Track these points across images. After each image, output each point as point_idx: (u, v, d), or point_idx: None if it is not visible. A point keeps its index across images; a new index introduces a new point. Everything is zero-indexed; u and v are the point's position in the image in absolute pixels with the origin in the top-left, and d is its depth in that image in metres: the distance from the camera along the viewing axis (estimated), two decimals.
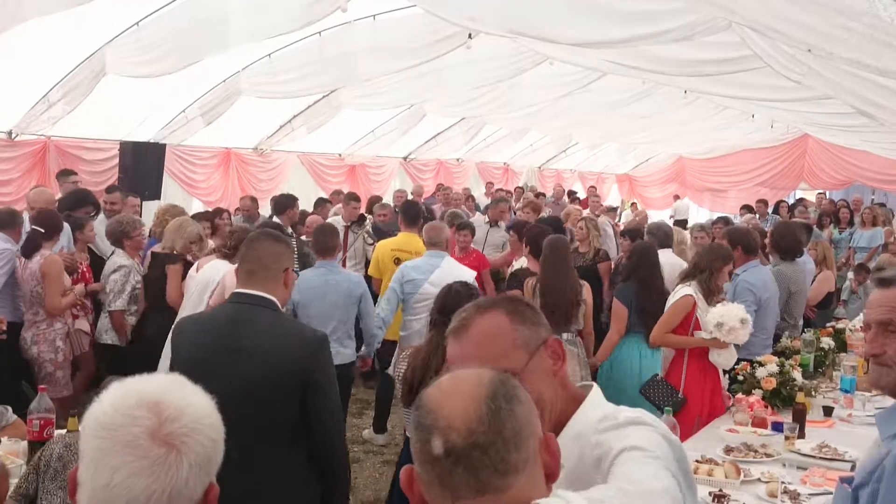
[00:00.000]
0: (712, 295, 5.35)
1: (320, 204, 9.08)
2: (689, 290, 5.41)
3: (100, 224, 7.47)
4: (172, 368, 3.11)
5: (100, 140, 10.41)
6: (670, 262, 7.12)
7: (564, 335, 5.85)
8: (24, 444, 3.73)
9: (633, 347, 6.06)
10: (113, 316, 6.36)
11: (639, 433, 1.64)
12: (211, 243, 6.71)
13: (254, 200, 10.00)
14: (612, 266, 8.10)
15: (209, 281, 5.84)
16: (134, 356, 6.12)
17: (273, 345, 2.98)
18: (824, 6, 3.41)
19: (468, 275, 6.24)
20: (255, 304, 3.04)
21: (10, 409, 4.05)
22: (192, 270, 6.12)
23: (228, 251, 6.00)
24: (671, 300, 5.55)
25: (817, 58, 4.81)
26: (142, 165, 10.37)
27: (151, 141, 10.84)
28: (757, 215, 14.25)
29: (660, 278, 6.20)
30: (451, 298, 4.25)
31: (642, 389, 5.34)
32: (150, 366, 5.49)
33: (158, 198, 10.43)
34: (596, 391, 1.81)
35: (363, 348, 6.30)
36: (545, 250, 6.03)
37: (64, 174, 8.86)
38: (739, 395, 4.92)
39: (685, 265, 7.14)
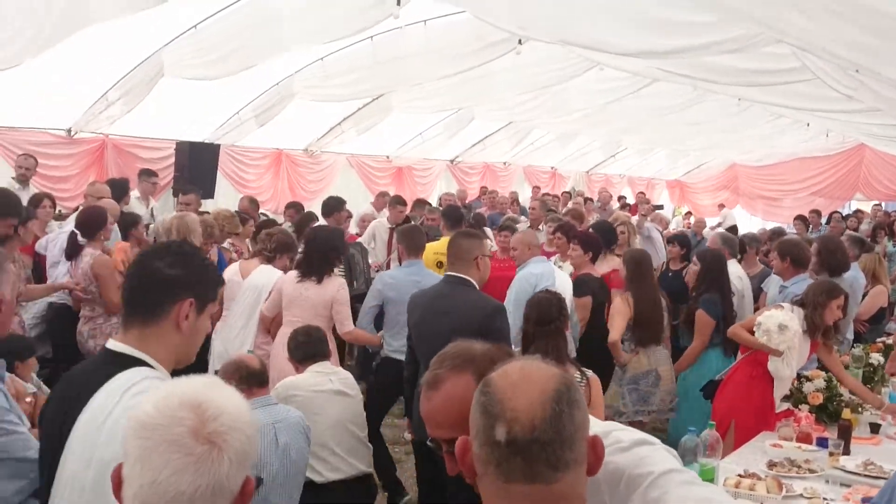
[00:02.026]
0: (817, 330, 5.12)
1: (336, 209, 8.77)
2: (788, 306, 5.27)
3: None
4: (409, 325, 4.62)
5: (156, 139, 10.68)
6: (737, 273, 7.05)
7: (655, 347, 5.91)
8: None
9: (719, 359, 6.00)
10: None
11: (655, 454, 1.77)
12: (248, 245, 6.74)
13: (252, 201, 9.91)
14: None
15: (262, 287, 5.86)
16: None
17: (463, 310, 4.25)
18: (873, 28, 3.37)
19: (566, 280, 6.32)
20: (455, 283, 4.45)
21: None
22: (234, 275, 6.06)
23: (270, 254, 6.07)
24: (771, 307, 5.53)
25: (866, 75, 4.73)
26: (196, 165, 10.59)
27: (206, 141, 11.08)
28: (810, 226, 13.98)
29: (729, 286, 6.20)
30: (544, 308, 4.21)
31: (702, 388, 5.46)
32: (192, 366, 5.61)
33: (212, 196, 10.63)
34: None
35: None
36: (629, 265, 6.03)
37: (145, 174, 9.17)
38: (789, 408, 4.88)
39: (739, 274, 7.11)
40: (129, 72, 8.85)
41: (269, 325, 5.87)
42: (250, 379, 4.03)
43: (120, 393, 2.00)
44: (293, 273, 5.74)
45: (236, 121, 10.99)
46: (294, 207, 9.77)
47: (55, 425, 2.08)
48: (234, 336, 5.91)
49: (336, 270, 5.84)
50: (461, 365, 1.86)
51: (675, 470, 1.73)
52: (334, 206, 8.80)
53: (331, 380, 4.75)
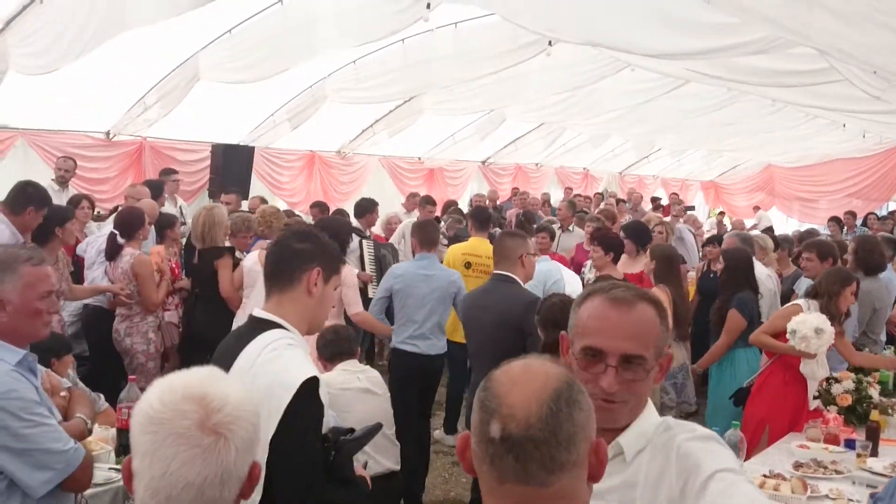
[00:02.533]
0: (834, 318, 5.14)
1: (368, 210, 8.91)
2: (802, 302, 5.33)
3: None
4: (461, 321, 5.04)
5: (192, 142, 10.88)
6: (765, 272, 7.04)
7: (680, 343, 6.01)
8: (114, 431, 3.96)
9: (752, 358, 5.98)
10: None
11: (726, 452, 1.82)
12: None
13: (263, 201, 10.01)
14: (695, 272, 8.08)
15: None
16: (189, 349, 6.37)
17: (502, 304, 4.56)
18: (890, 29, 3.36)
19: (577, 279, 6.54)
20: (500, 280, 4.75)
21: (102, 396, 4.30)
22: (255, 264, 6.15)
23: None
24: (784, 307, 5.54)
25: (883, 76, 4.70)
26: (231, 166, 10.74)
27: (241, 143, 11.25)
28: (845, 227, 13.80)
29: (755, 283, 6.20)
30: (557, 312, 4.08)
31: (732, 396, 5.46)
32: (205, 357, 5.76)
33: (247, 198, 10.80)
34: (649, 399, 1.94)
35: None
36: (660, 260, 6.10)
37: (166, 173, 9.31)
38: (818, 408, 4.87)
39: (768, 272, 7.09)
40: (166, 76, 9.03)
41: None
42: None
43: (260, 349, 2.46)
44: None
45: (270, 123, 11.16)
46: (318, 206, 9.88)
47: None
48: None
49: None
50: (647, 297, 1.92)
51: (740, 472, 1.77)
52: (367, 207, 8.90)
53: (358, 378, 4.81)
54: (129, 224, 6.19)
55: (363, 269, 8.07)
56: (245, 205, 8.85)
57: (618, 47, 6.61)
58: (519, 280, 4.78)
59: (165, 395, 1.51)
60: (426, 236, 6.16)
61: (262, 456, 1.55)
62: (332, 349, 4.88)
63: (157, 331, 6.29)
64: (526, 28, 7.11)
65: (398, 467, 4.97)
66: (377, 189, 12.78)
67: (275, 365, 2.44)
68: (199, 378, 1.55)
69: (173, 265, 6.76)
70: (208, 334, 6.22)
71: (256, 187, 11.64)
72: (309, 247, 2.62)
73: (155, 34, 7.70)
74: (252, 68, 8.79)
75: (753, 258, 7.01)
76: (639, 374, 1.80)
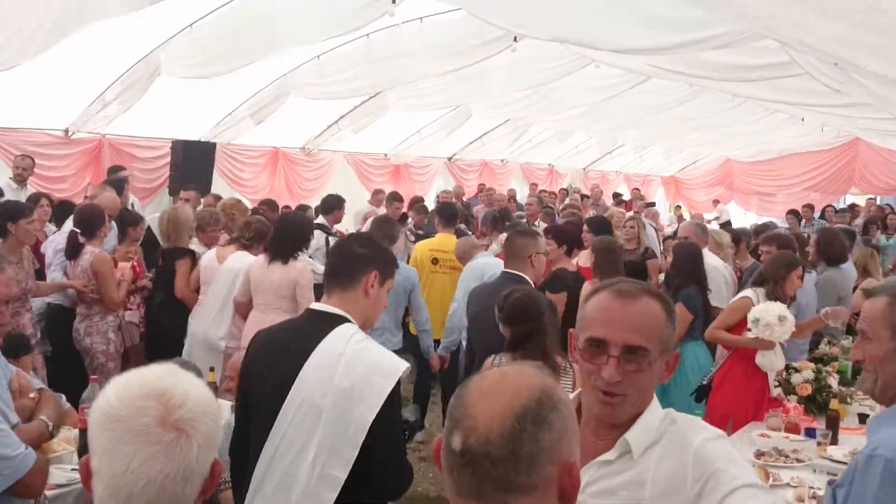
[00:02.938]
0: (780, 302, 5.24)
1: (336, 206, 8.92)
2: (751, 293, 5.41)
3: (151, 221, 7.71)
4: (468, 318, 4.98)
5: (152, 138, 10.72)
6: (714, 263, 7.11)
7: None
8: (76, 432, 3.89)
9: (700, 352, 6.03)
10: None
11: (743, 461, 1.82)
12: (225, 235, 6.85)
13: (218, 198, 9.90)
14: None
15: (237, 272, 6.00)
16: (152, 349, 6.32)
17: None
18: (853, 23, 3.43)
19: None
20: (510, 279, 4.70)
21: (63, 396, 4.23)
22: (211, 261, 6.23)
23: (247, 242, 6.21)
24: (732, 300, 5.61)
25: (844, 69, 4.80)
26: (192, 163, 10.63)
27: (202, 140, 11.12)
28: (803, 220, 14.06)
29: (705, 278, 6.24)
30: (518, 308, 4.10)
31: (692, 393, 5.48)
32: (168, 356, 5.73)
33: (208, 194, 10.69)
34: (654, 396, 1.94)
35: (427, 344, 6.45)
36: (600, 253, 6.04)
37: (113, 170, 9.15)
38: (779, 397, 4.96)
39: (724, 264, 7.18)
40: (126, 72, 8.90)
41: (246, 311, 5.99)
42: None
43: (346, 339, 2.71)
44: (261, 258, 5.89)
45: (232, 119, 11.05)
46: (267, 204, 9.71)
47: (269, 371, 2.76)
48: (210, 320, 6.08)
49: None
50: (654, 293, 1.92)
51: (763, 488, 1.79)
52: (333, 204, 8.86)
53: None
54: (89, 222, 6.09)
55: None
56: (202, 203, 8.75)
57: (584, 43, 6.66)
58: (529, 280, 4.76)
59: (123, 391, 1.48)
60: (384, 234, 6.13)
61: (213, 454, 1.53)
62: None
63: (118, 331, 6.21)
64: (492, 24, 7.13)
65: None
66: (343, 186, 12.69)
67: (368, 355, 2.73)
68: (158, 374, 1.52)
69: (134, 263, 6.68)
70: (173, 334, 6.23)
71: (218, 184, 11.52)
72: (368, 251, 2.90)
73: (114, 29, 7.58)
74: (213, 63, 8.68)
75: (707, 251, 7.13)
76: (641, 365, 1.80)
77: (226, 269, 6.09)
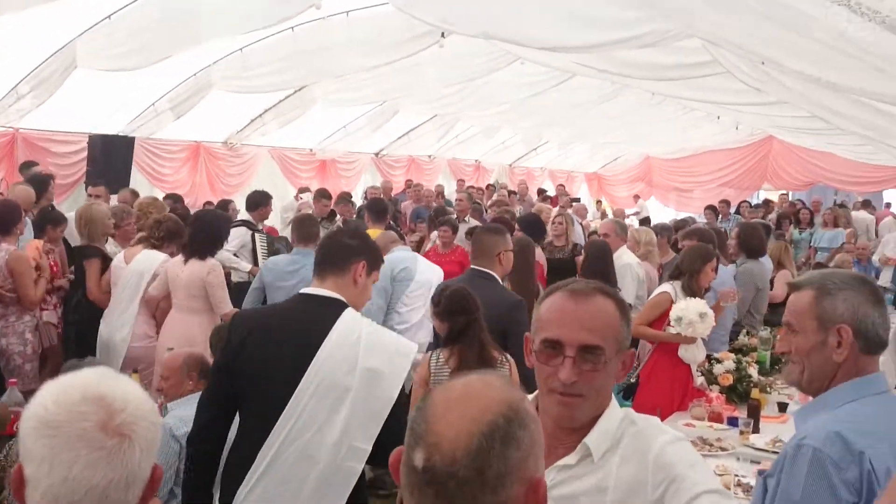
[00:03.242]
0: (696, 295, 5.39)
1: (262, 203, 8.82)
2: (668, 287, 5.56)
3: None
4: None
5: (68, 132, 10.35)
6: (635, 261, 7.27)
7: None
8: None
9: None
10: None
11: (704, 465, 1.84)
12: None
13: (134, 193, 9.61)
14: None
15: (143, 272, 5.95)
16: (69, 351, 6.17)
17: (485, 303, 4.20)
18: (778, 21, 3.56)
19: (439, 270, 6.44)
20: (477, 276, 4.63)
21: None
22: (120, 261, 6.15)
23: (157, 241, 6.15)
24: (650, 297, 5.73)
25: (771, 67, 4.98)
26: (110, 158, 10.32)
27: (120, 134, 10.80)
28: (720, 215, 14.51)
29: (614, 275, 6.38)
30: (459, 297, 4.13)
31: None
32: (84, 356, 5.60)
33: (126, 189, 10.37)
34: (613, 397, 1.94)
35: None
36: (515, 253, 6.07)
37: (27, 166, 8.79)
38: (702, 386, 5.10)
39: (637, 262, 7.35)
40: (41, 63, 8.54)
41: (156, 309, 5.98)
42: (208, 374, 4.13)
43: (359, 324, 2.96)
44: (180, 256, 5.89)
45: (152, 112, 10.73)
46: (172, 198, 9.47)
47: (273, 354, 2.87)
48: (115, 319, 6.02)
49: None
50: (608, 292, 1.90)
51: (725, 494, 1.80)
52: (259, 200, 8.72)
53: None
54: (4, 218, 5.87)
55: (256, 263, 7.90)
56: (114, 199, 8.46)
57: (512, 40, 6.70)
58: (497, 277, 4.72)
59: (61, 397, 1.43)
60: (303, 231, 6.14)
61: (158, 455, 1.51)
62: None
63: (35, 331, 6.00)
64: (420, 19, 7.11)
65: None
66: (267, 181, 12.51)
67: (386, 337, 3.09)
68: (96, 378, 1.47)
69: (52, 262, 6.45)
70: (89, 335, 6.05)
71: (137, 180, 11.20)
72: (357, 243, 3.14)
73: (29, 20, 7.30)
74: (132, 55, 8.41)
75: (625, 248, 7.32)
76: (597, 365, 1.79)
77: (132, 270, 6.01)
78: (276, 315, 3.11)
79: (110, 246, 6.59)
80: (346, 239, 3.16)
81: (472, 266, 4.86)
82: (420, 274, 6.15)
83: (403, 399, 3.00)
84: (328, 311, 2.94)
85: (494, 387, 1.30)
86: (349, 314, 2.96)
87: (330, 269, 3.04)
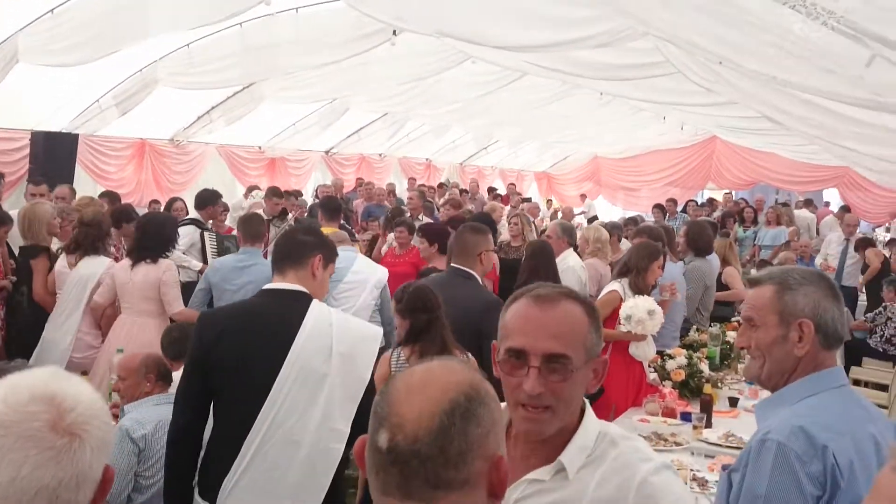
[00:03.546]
0: (642, 293, 5.47)
1: (210, 202, 8.56)
2: (616, 285, 5.62)
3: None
4: None
5: (10, 129, 10.07)
6: (579, 264, 7.31)
7: None
8: None
9: None
10: None
11: (686, 498, 1.81)
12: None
13: (72, 190, 9.39)
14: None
15: (88, 277, 5.82)
16: (11, 352, 5.96)
17: (462, 302, 4.32)
18: (734, 19, 3.63)
19: (382, 271, 6.40)
20: (457, 275, 4.61)
21: None
22: (63, 266, 6.01)
23: (70, 251, 5.98)
24: (600, 296, 5.79)
25: (728, 67, 5.07)
26: (53, 156, 10.07)
27: (63, 131, 10.53)
28: (667, 214, 14.75)
29: (556, 276, 6.41)
30: (422, 294, 4.10)
31: None
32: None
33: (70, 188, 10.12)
34: (587, 404, 1.86)
35: None
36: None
37: None
38: (654, 382, 5.18)
39: (581, 265, 7.41)
40: None
41: (101, 316, 5.85)
42: (165, 376, 4.16)
43: (328, 313, 3.15)
44: (126, 260, 5.79)
45: (96, 109, 10.48)
46: (108, 196, 9.13)
47: (248, 348, 2.99)
48: (60, 325, 5.89)
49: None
50: (576, 296, 1.81)
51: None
52: (208, 198, 8.57)
53: None
54: None
55: (205, 262, 7.77)
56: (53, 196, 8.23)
57: (465, 38, 6.71)
58: (477, 276, 4.67)
59: (10, 396, 1.39)
60: (249, 230, 6.04)
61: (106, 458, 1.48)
62: (178, 348, 4.65)
63: None
64: (373, 17, 7.07)
65: None
66: (215, 179, 12.33)
67: (353, 323, 3.33)
68: (46, 377, 1.44)
69: None
70: (33, 337, 5.89)
71: (81, 178, 10.94)
72: (313, 238, 3.32)
73: None
74: (77, 50, 8.19)
75: (570, 251, 7.39)
76: (564, 375, 1.71)
77: (76, 275, 5.87)
78: (246, 311, 3.21)
79: (56, 246, 6.43)
80: (301, 235, 3.31)
81: (451, 264, 4.79)
82: (353, 274, 6.06)
83: (372, 382, 3.16)
84: (296, 304, 3.10)
85: (455, 370, 1.34)
86: (318, 305, 3.14)
87: (290, 264, 3.18)
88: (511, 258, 7.79)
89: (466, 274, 4.64)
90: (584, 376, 1.76)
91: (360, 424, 2.99)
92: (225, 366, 2.99)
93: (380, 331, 3.39)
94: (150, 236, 5.79)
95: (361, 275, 6.11)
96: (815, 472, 1.95)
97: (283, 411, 2.95)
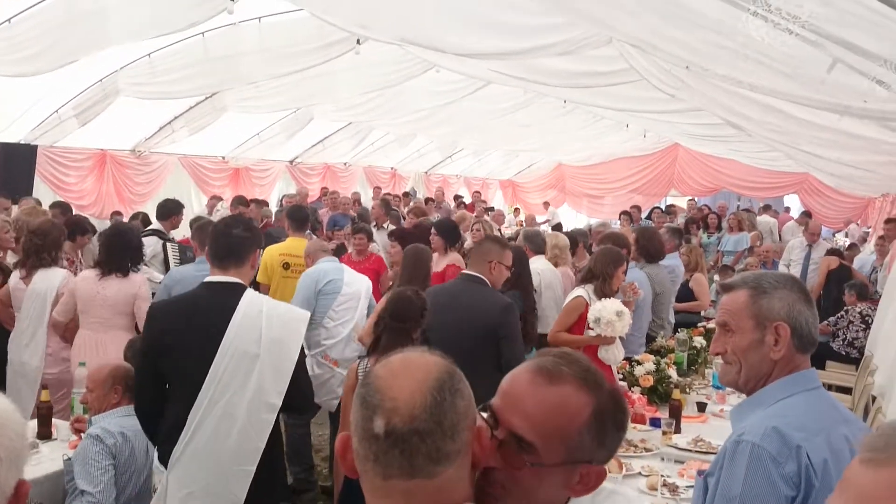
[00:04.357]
0: (607, 297, 5.47)
1: (174, 212, 8.55)
2: (581, 291, 5.61)
3: None
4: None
5: None
6: (545, 268, 7.34)
7: None
8: None
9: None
10: None
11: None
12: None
13: (15, 202, 9.20)
14: None
15: (46, 292, 5.61)
16: None
17: (477, 307, 4.56)
18: (700, 25, 3.67)
19: (367, 279, 6.37)
20: (470, 280, 4.73)
21: None
22: (17, 282, 5.78)
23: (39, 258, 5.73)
24: (565, 301, 5.77)
25: (691, 73, 5.12)
26: (11, 167, 9.92)
27: (22, 142, 10.34)
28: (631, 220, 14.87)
29: (530, 281, 6.42)
30: (405, 305, 4.07)
31: None
32: None
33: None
34: None
35: None
36: (407, 259, 5.93)
37: None
38: (622, 389, 5.17)
39: (557, 271, 7.43)
40: None
41: (64, 331, 5.61)
42: (132, 388, 4.01)
43: (260, 300, 3.53)
44: (89, 273, 5.58)
45: (55, 119, 10.34)
46: (59, 206, 9.10)
47: (192, 334, 3.40)
48: (24, 345, 5.66)
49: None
50: (588, 382, 1.50)
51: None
52: (171, 209, 8.46)
53: None
54: None
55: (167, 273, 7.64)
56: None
57: (428, 45, 6.69)
58: (488, 282, 4.71)
59: None
60: (200, 242, 5.97)
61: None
62: None
63: None
64: (336, 26, 7.03)
65: None
66: (178, 190, 12.19)
67: (281, 308, 3.64)
68: None
69: None
70: None
71: (40, 189, 10.76)
72: (250, 235, 3.64)
73: None
74: (34, 60, 8.03)
75: (543, 255, 7.41)
76: (524, 464, 1.47)
77: (33, 291, 5.65)
78: (189, 302, 3.58)
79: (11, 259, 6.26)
80: (238, 232, 3.60)
81: (464, 271, 4.94)
82: (347, 286, 6.04)
83: (302, 358, 3.56)
84: (232, 294, 3.48)
85: (425, 353, 1.43)
86: (249, 294, 3.52)
87: (232, 260, 3.53)
88: None
89: (478, 279, 4.72)
90: (557, 478, 1.49)
91: (293, 393, 3.48)
92: (171, 352, 3.39)
93: (306, 314, 3.75)
94: (119, 249, 5.59)
95: (354, 286, 6.11)
96: (789, 473, 1.95)
97: (220, 389, 3.36)
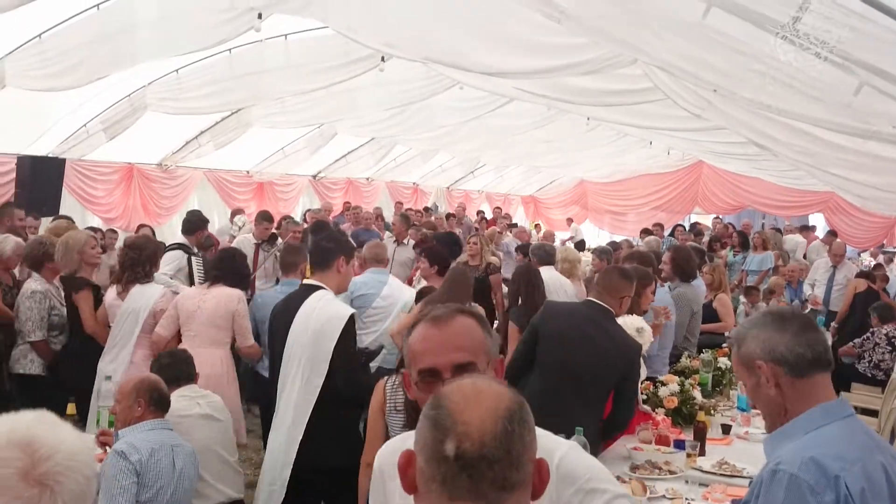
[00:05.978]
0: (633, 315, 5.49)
1: (199, 226, 8.35)
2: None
3: None
4: (546, 335, 4.66)
5: None
6: (552, 277, 7.40)
7: None
8: None
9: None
10: (35, 346, 5.79)
11: (606, 472, 1.93)
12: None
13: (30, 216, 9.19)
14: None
15: (140, 309, 5.55)
16: (50, 387, 5.69)
17: (608, 343, 4.52)
18: (729, 48, 3.67)
19: (410, 292, 6.42)
20: (594, 308, 4.67)
21: None
22: (112, 298, 5.74)
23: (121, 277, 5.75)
24: None
25: (718, 94, 5.11)
26: (40, 181, 10.00)
27: (50, 155, 10.48)
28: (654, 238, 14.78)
29: (543, 297, 6.42)
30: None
31: None
32: (65, 398, 5.26)
33: (56, 213, 10.06)
34: None
35: None
36: (449, 279, 6.06)
37: None
38: (646, 409, 5.14)
39: (567, 281, 7.44)
40: None
41: (164, 347, 5.49)
42: (160, 402, 4.14)
43: (318, 298, 4.41)
44: (192, 290, 5.87)
45: (83, 133, 10.46)
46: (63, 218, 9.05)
47: (281, 325, 4.50)
48: (108, 361, 5.59)
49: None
50: (463, 310, 2.03)
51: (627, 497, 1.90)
52: (196, 223, 8.51)
53: (198, 403, 4.59)
54: None
55: (192, 286, 7.70)
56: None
57: (453, 64, 6.73)
58: (614, 314, 4.68)
59: None
60: (286, 261, 6.15)
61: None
62: (169, 373, 4.61)
63: None
64: (362, 44, 7.09)
65: (241, 496, 4.78)
66: (203, 204, 12.31)
67: (330, 306, 4.39)
68: (28, 422, 1.38)
69: None
70: (77, 373, 5.60)
71: (68, 202, 10.89)
72: (335, 244, 4.59)
73: None
74: (64, 76, 8.17)
75: (554, 270, 7.45)
76: None
77: (126, 309, 5.59)
78: (287, 300, 4.66)
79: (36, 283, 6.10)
80: (324, 243, 4.53)
81: (591, 297, 4.80)
82: (382, 299, 6.23)
83: (350, 349, 4.39)
84: (308, 294, 4.40)
85: (495, 384, 1.47)
86: (317, 293, 4.40)
87: (318, 266, 4.46)
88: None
89: (604, 310, 4.64)
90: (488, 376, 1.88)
91: (329, 375, 4.29)
92: (272, 343, 4.64)
93: (348, 311, 4.42)
94: (231, 262, 5.77)
95: (390, 299, 6.26)
96: (827, 503, 1.93)
97: (286, 371, 4.37)
